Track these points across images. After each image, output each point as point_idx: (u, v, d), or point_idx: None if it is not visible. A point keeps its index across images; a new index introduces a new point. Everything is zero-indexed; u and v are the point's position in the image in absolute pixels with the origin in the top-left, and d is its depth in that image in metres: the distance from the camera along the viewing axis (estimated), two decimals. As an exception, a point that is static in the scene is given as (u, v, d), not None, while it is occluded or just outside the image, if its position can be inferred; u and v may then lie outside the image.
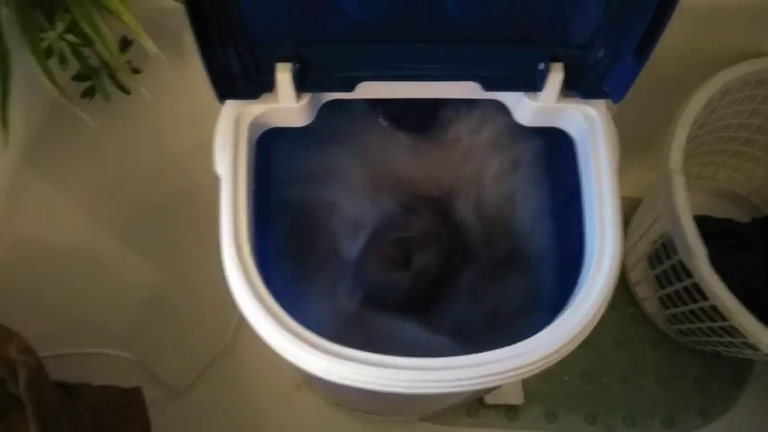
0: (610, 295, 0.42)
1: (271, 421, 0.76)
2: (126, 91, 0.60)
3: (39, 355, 0.52)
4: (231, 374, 0.74)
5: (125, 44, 0.58)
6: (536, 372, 0.40)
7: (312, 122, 0.49)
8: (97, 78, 0.57)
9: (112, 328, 0.62)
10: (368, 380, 0.39)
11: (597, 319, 0.41)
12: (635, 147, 0.88)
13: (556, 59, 0.45)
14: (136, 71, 0.60)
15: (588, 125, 0.46)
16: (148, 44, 0.53)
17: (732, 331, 0.66)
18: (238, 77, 0.45)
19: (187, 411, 0.69)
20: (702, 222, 0.66)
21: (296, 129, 0.49)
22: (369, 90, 0.47)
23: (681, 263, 0.68)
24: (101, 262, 0.64)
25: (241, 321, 0.73)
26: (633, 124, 0.82)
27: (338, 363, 0.39)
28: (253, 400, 0.76)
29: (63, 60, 0.54)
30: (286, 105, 0.46)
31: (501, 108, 0.50)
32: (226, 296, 0.43)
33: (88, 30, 0.52)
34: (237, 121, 0.46)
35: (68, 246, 0.61)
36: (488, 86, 0.47)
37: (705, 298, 0.66)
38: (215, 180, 0.47)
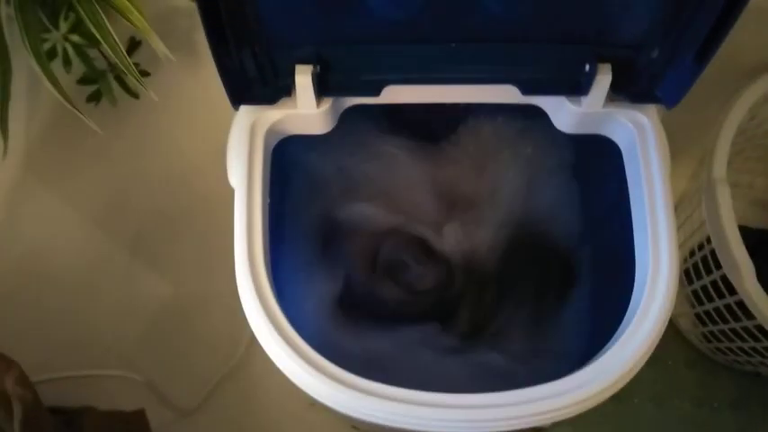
0: (668, 316, 0.38)
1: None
2: (134, 95, 0.57)
3: (43, 377, 0.49)
4: (242, 393, 0.71)
5: (133, 45, 0.55)
6: (592, 406, 0.36)
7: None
8: (104, 81, 0.54)
9: (118, 347, 0.59)
10: (392, 418, 0.35)
11: (655, 345, 0.37)
12: (673, 149, 0.84)
13: (603, 60, 0.40)
14: (144, 74, 0.57)
15: (638, 133, 0.42)
16: (158, 45, 0.50)
17: (780, 352, 0.62)
18: (254, 81, 0.41)
19: (200, 430, 0.66)
20: (741, 233, 0.62)
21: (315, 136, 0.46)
22: (396, 94, 0.43)
23: (723, 278, 0.64)
24: (107, 276, 0.61)
25: (253, 338, 0.70)
26: (674, 125, 0.78)
27: (358, 397, 0.36)
28: (264, 420, 0.73)
29: (67, 62, 0.51)
30: (306, 111, 0.43)
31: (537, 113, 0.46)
32: (236, 311, 0.40)
33: (94, 30, 0.49)
34: (253, 129, 0.43)
35: (73, 259, 0.58)
36: (527, 90, 0.43)
37: (750, 316, 0.62)
38: (228, 189, 0.43)
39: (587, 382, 0.36)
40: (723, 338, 0.73)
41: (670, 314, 0.37)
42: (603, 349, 0.38)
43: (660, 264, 0.38)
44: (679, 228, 0.77)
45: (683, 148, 0.74)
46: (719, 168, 0.62)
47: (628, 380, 0.36)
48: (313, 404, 0.77)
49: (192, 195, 0.66)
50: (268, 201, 0.43)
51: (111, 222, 0.61)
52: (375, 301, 0.53)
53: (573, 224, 0.53)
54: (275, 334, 0.38)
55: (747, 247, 0.62)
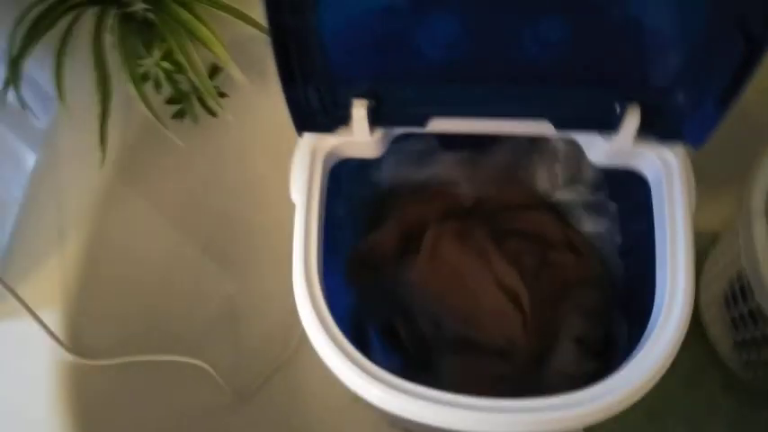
0: (679, 344, 0.41)
1: (328, 429, 0.78)
2: (213, 114, 0.63)
3: (120, 359, 0.56)
4: (291, 386, 0.77)
5: (214, 71, 0.62)
6: (608, 415, 0.39)
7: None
8: (187, 102, 0.61)
9: (185, 335, 0.65)
10: (430, 417, 0.40)
11: (664, 370, 0.40)
12: (718, 178, 0.85)
13: (632, 101, 0.44)
14: (222, 95, 0.63)
15: (665, 170, 0.45)
16: (235, 72, 0.57)
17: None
18: (317, 112, 0.47)
19: (250, 418, 0.72)
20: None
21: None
22: (440, 125, 0.48)
23: (758, 308, 0.65)
24: (180, 272, 0.68)
25: (303, 336, 0.75)
26: (718, 154, 0.79)
27: (404, 398, 0.40)
28: (310, 411, 0.78)
29: (158, 85, 0.59)
30: (360, 140, 0.48)
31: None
32: (290, 311, 0.45)
33: (181, 58, 0.56)
34: (314, 153, 0.48)
35: (153, 257, 0.65)
36: (561, 126, 0.47)
37: (785, 347, 0.63)
38: (287, 201, 0.49)
39: (596, 397, 0.39)
40: (762, 366, 0.73)
41: (681, 341, 0.40)
42: (618, 368, 0.41)
43: (676, 293, 0.42)
44: (722, 253, 0.78)
45: (738, 176, 0.75)
46: (757, 201, 0.64)
47: (634, 400, 0.39)
48: (356, 400, 0.82)
49: (257, 205, 0.72)
50: (324, 215, 0.48)
51: (186, 225, 0.68)
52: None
53: (602, 249, 0.56)
54: (324, 334, 0.43)
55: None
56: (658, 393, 0.81)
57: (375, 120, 0.47)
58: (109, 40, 0.57)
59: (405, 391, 0.40)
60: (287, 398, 0.77)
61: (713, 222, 0.87)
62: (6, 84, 0.54)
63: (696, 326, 0.85)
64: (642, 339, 0.41)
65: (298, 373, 0.78)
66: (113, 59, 0.57)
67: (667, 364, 0.40)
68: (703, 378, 0.83)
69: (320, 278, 0.45)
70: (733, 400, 0.81)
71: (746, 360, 0.76)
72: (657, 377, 0.39)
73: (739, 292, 0.70)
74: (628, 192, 0.53)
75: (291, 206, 0.49)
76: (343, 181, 0.56)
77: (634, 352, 0.41)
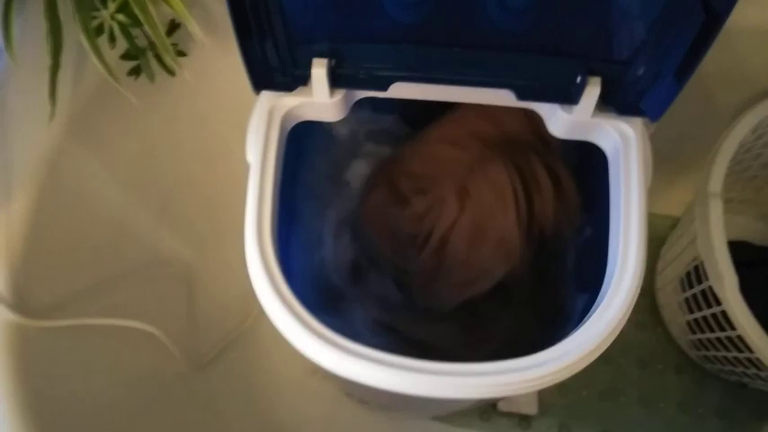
0: (628, 312, 0.41)
1: (283, 403, 0.78)
2: (170, 72, 0.61)
3: (64, 322, 0.54)
4: (250, 355, 0.76)
5: (172, 27, 0.60)
6: (551, 383, 0.40)
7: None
8: (143, 58, 0.59)
9: (140, 301, 0.64)
10: (383, 381, 0.40)
11: (614, 335, 0.40)
12: (679, 164, 0.86)
13: (593, 73, 0.44)
14: (181, 54, 0.61)
15: (623, 143, 0.46)
16: (194, 29, 0.55)
17: (758, 363, 0.64)
18: (274, 69, 0.46)
19: (205, 387, 0.71)
20: (740, 248, 0.64)
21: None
22: (401, 90, 0.47)
23: (710, 289, 0.66)
24: (135, 237, 0.66)
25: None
26: (678, 140, 0.80)
27: (355, 362, 0.40)
28: (268, 382, 0.78)
29: (112, 39, 0.56)
30: (320, 100, 0.47)
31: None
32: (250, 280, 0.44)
33: (138, 11, 0.53)
34: (271, 113, 0.47)
35: (105, 218, 0.63)
36: (522, 96, 0.46)
37: (732, 327, 0.65)
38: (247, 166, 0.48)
39: (556, 357, 0.39)
40: (711, 347, 0.75)
41: (629, 314, 0.41)
42: (571, 333, 0.41)
43: (627, 261, 0.42)
44: (678, 238, 0.79)
45: (700, 161, 0.76)
46: (715, 184, 0.65)
47: (583, 365, 0.40)
48: (314, 373, 0.82)
49: (216, 171, 0.70)
50: (280, 178, 0.47)
51: (141, 188, 0.66)
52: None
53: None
54: (278, 302, 0.42)
55: (746, 263, 0.65)
56: (613, 373, 0.84)
57: (336, 81, 0.46)
58: (62, -11, 0.55)
59: (357, 355, 0.40)
60: (244, 369, 0.76)
61: (672, 208, 0.89)
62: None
63: (652, 309, 0.87)
64: (594, 306, 0.42)
65: (256, 345, 0.77)
66: (66, 9, 0.54)
67: (618, 329, 0.40)
68: (657, 359, 0.85)
69: (274, 241, 0.44)
70: (685, 379, 0.84)
71: (697, 340, 0.78)
72: (607, 343, 0.39)
73: (694, 273, 0.72)
74: (589, 164, 0.53)
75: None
76: (305, 148, 0.55)
77: (586, 317, 0.41)
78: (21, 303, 0.53)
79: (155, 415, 0.63)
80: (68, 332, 0.56)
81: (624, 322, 0.41)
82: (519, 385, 0.38)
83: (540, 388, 0.40)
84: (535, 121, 0.50)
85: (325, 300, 0.58)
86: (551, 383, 0.40)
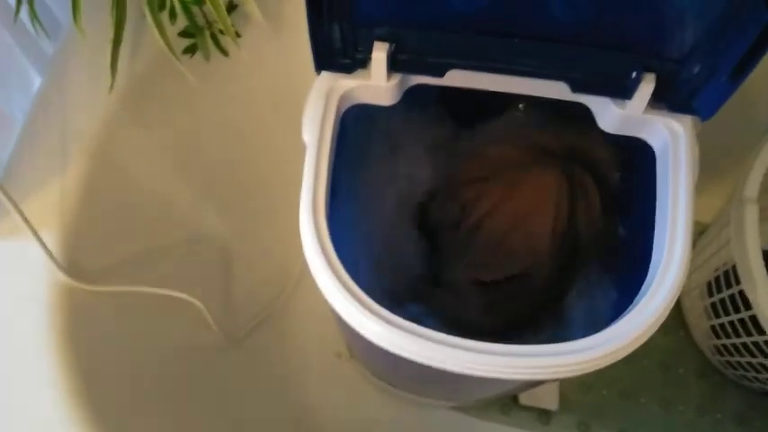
0: (672, 302, 0.42)
1: (310, 383, 0.79)
2: (225, 52, 0.63)
3: (110, 287, 0.56)
4: (281, 334, 0.78)
5: (231, 7, 0.61)
6: (585, 372, 0.41)
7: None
8: (201, 37, 0.61)
9: (182, 275, 0.65)
10: (425, 355, 0.41)
11: (657, 325, 0.41)
12: (709, 170, 0.86)
13: (648, 69, 0.45)
14: (237, 34, 0.63)
15: (672, 139, 0.46)
16: (254, 10, 0.56)
17: (786, 370, 0.65)
18: (338, 51, 0.47)
19: (237, 361, 0.73)
20: (768, 258, 0.65)
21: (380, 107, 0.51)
22: (457, 78, 0.48)
23: (741, 293, 0.67)
24: (179, 212, 0.68)
25: (298, 282, 0.76)
26: (710, 146, 0.80)
27: (397, 334, 0.41)
28: (297, 361, 0.79)
29: (173, 15, 0.58)
30: (377, 83, 0.48)
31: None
32: (287, 257, 0.45)
33: (200, -10, 0.55)
34: (329, 94, 0.48)
35: (152, 191, 0.65)
36: (577, 88, 0.47)
37: (761, 332, 0.65)
38: (293, 147, 0.49)
39: (595, 345, 0.40)
40: (735, 353, 0.76)
41: (671, 307, 0.41)
42: (611, 325, 0.42)
43: (673, 256, 0.43)
44: (707, 243, 0.80)
45: (727, 169, 0.77)
46: (751, 189, 0.65)
47: (622, 355, 0.40)
48: (339, 356, 0.83)
49: (261, 152, 0.72)
50: (333, 159, 0.49)
51: (188, 164, 0.67)
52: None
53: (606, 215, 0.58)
54: (330, 272, 0.43)
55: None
56: (634, 374, 0.85)
57: (394, 65, 0.47)
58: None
59: (402, 329, 0.41)
60: (274, 346, 0.78)
61: (700, 214, 0.90)
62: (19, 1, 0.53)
63: (676, 312, 0.87)
64: (636, 298, 0.43)
65: (287, 324, 0.79)
66: (130, -14, 0.56)
67: (661, 319, 0.41)
68: (679, 362, 0.86)
69: (326, 219, 0.45)
70: (705, 384, 0.84)
71: (721, 345, 0.78)
72: (649, 333, 0.40)
73: (723, 278, 0.73)
74: (635, 162, 0.54)
75: (296, 156, 0.48)
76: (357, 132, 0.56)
77: (628, 308, 0.42)
78: (72, 267, 0.55)
79: (189, 384, 0.65)
80: (115, 298, 0.58)
81: (667, 314, 0.42)
82: (568, 368, 0.39)
83: (581, 373, 0.41)
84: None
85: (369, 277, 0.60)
86: (592, 369, 0.41)
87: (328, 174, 0.47)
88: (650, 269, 0.44)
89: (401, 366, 0.51)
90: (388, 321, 0.42)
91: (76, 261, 0.55)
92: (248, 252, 0.75)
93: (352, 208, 0.58)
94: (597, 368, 0.41)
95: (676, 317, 0.87)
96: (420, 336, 0.41)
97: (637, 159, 0.51)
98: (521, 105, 0.62)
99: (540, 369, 0.40)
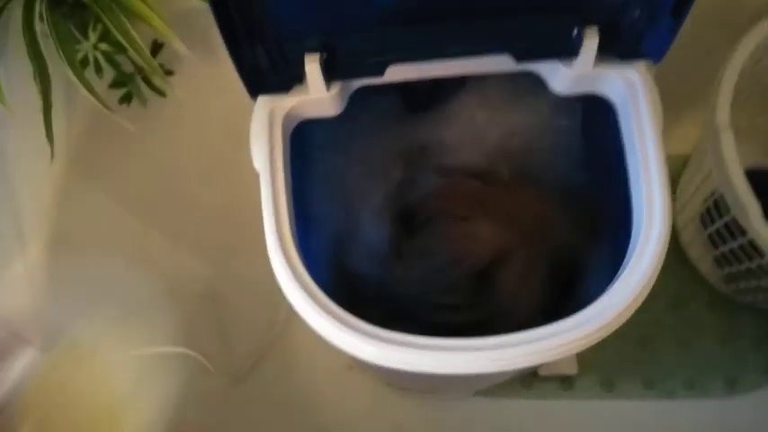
0: (661, 261, 0.41)
1: (325, 402, 0.78)
2: (161, 93, 0.61)
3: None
4: (286, 362, 0.76)
5: (156, 47, 0.59)
6: (592, 343, 0.40)
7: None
8: (133, 84, 0.59)
9: (168, 326, 0.64)
10: (422, 364, 0.40)
11: (650, 286, 0.40)
12: (680, 102, 0.85)
13: (589, 23, 0.43)
14: (169, 73, 0.61)
15: (629, 89, 0.45)
16: (179, 45, 0.54)
17: (793, 287, 0.64)
18: (268, 72, 0.45)
19: (246, 398, 0.71)
20: (755, 176, 0.63)
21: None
22: (399, 73, 0.47)
23: (734, 220, 0.66)
24: (155, 261, 0.66)
25: (289, 313, 0.74)
26: (677, 79, 0.79)
27: (387, 348, 0.40)
28: (306, 384, 0.78)
29: (98, 69, 0.56)
30: (317, 96, 0.46)
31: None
32: (275, 288, 0.44)
33: (120, 37, 0.53)
34: (271, 116, 0.47)
35: (120, 248, 0.63)
36: (521, 58, 0.46)
37: (761, 255, 0.64)
38: (253, 173, 0.47)
39: (594, 317, 0.39)
40: (741, 279, 0.74)
41: (663, 258, 0.40)
42: (602, 293, 0.41)
43: (653, 210, 0.41)
44: (692, 176, 0.78)
45: (701, 95, 0.75)
46: (722, 115, 0.64)
47: (625, 318, 0.39)
48: (350, 368, 0.82)
49: (221, 184, 0.70)
50: (290, 181, 0.47)
51: (152, 211, 0.66)
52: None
53: (580, 178, 0.56)
54: (309, 300, 0.41)
55: (763, 189, 0.64)
56: (647, 320, 0.83)
57: (330, 73, 0.45)
58: (41, 28, 0.54)
59: (397, 343, 0.40)
60: (282, 375, 0.76)
61: (683, 146, 0.88)
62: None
63: (676, 250, 0.86)
64: (624, 260, 0.41)
65: (289, 350, 0.77)
66: (49, 48, 0.54)
67: (652, 280, 0.40)
68: (688, 299, 0.85)
69: (296, 244, 0.44)
70: (719, 315, 0.83)
71: (727, 273, 0.77)
72: (645, 293, 0.39)
73: (714, 208, 0.71)
74: (596, 120, 0.53)
75: (257, 181, 0.47)
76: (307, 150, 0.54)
77: (618, 273, 0.40)
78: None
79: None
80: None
81: (658, 272, 0.40)
82: (571, 345, 0.38)
83: (585, 347, 0.40)
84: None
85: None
86: (597, 340, 0.39)
87: (288, 198, 0.46)
88: (634, 226, 0.43)
89: (408, 376, 0.49)
90: (381, 339, 0.40)
91: (55, 335, 0.54)
92: (233, 289, 0.73)
93: (324, 226, 0.57)
94: (611, 332, 0.40)
95: (677, 255, 0.86)
96: (414, 346, 0.40)
97: (599, 117, 0.49)
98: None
99: (554, 348, 0.39)
